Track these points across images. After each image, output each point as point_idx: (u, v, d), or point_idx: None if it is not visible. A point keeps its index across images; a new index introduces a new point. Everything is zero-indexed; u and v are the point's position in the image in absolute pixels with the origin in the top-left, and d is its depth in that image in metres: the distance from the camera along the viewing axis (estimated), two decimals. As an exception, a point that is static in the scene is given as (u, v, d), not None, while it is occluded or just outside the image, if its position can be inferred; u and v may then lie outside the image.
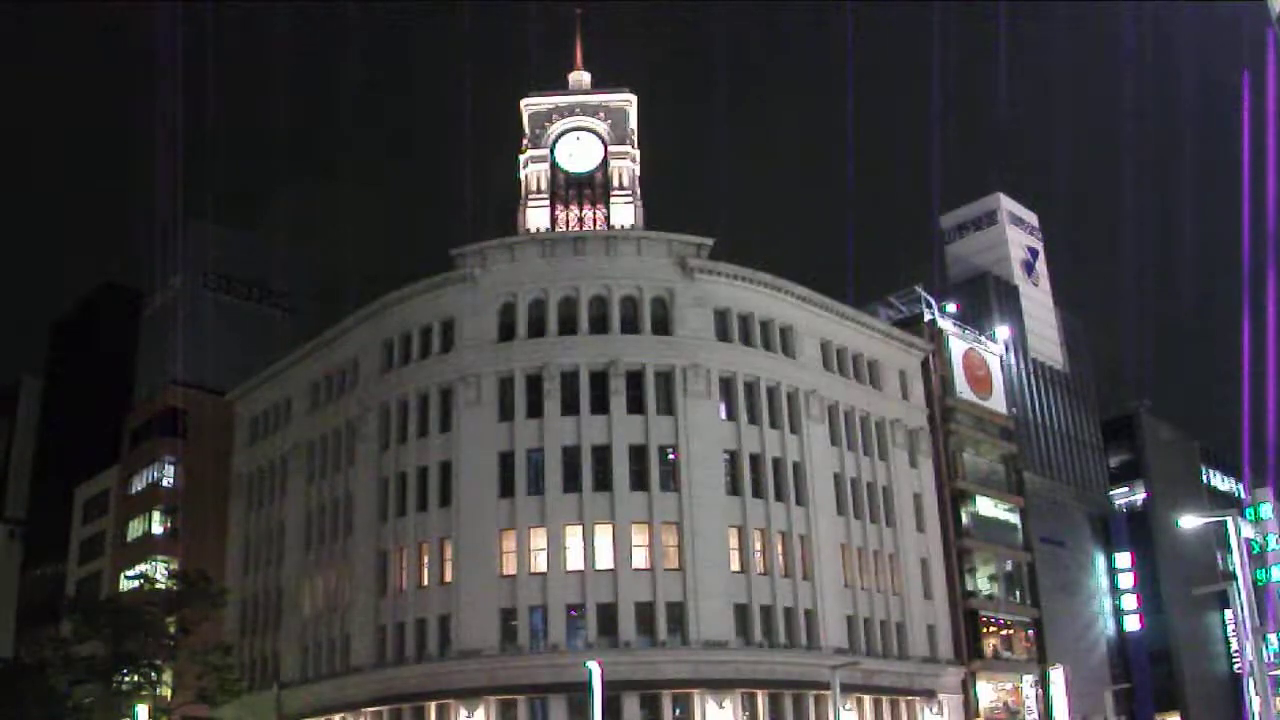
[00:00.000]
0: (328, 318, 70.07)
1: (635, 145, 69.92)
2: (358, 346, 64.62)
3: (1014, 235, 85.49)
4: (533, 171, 68.94)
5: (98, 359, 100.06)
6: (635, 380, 58.23)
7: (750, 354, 61.05)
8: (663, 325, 59.62)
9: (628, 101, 70.51)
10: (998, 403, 75.40)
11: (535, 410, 57.65)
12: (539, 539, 55.85)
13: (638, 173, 69.41)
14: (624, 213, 67.25)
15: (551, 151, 69.03)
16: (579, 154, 69.17)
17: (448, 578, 56.61)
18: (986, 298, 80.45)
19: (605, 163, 68.78)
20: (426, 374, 60.24)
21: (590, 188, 68.48)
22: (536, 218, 67.43)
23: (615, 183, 68.35)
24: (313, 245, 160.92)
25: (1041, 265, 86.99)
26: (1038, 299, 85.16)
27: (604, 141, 69.08)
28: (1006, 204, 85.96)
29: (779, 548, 58.77)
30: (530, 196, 68.25)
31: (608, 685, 46.89)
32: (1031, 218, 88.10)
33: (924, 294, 74.41)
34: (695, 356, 58.99)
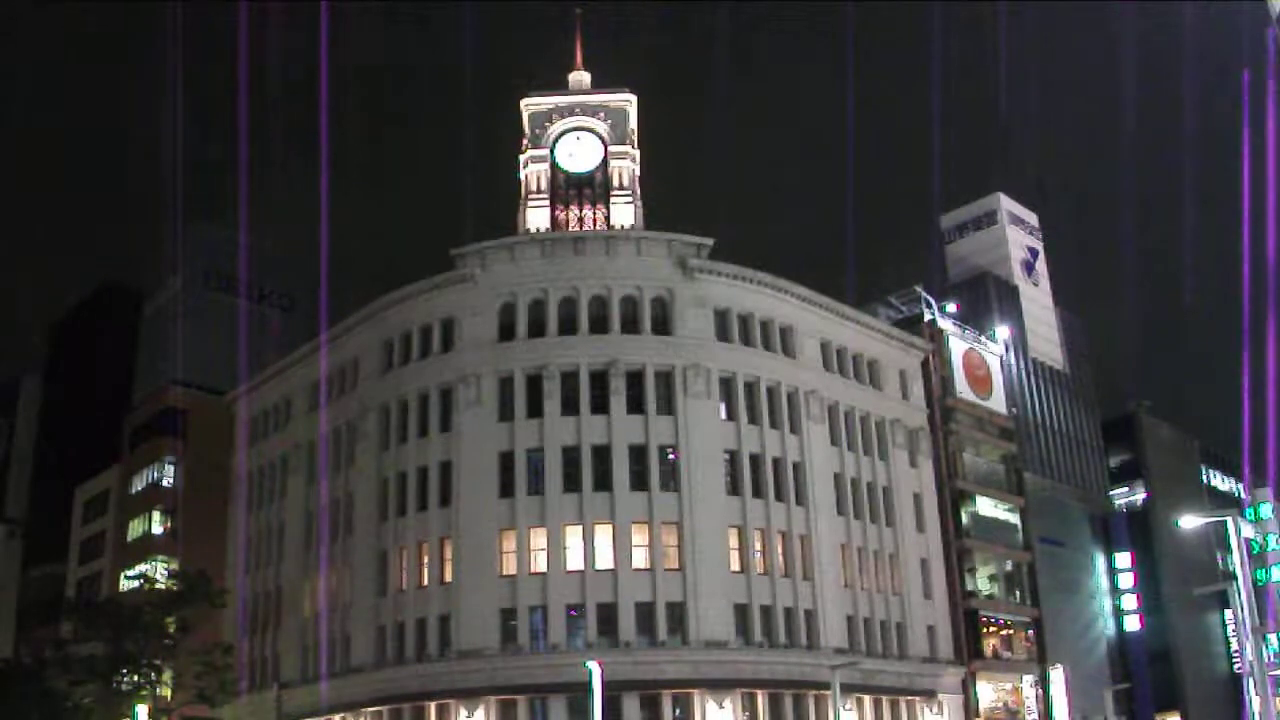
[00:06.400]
0: (327, 317, 70.05)
1: (635, 145, 69.88)
2: (358, 346, 64.62)
3: (1014, 235, 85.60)
4: (533, 171, 68.91)
5: (98, 359, 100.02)
6: (635, 380, 58.22)
7: (750, 354, 61.04)
8: (663, 325, 59.61)
9: (628, 101, 70.48)
10: (998, 403, 75.41)
11: (535, 410, 57.65)
12: (539, 539, 55.83)
13: (638, 173, 69.39)
14: (624, 213, 67.21)
15: (551, 151, 68.99)
16: (579, 154, 69.13)
17: (448, 578, 56.60)
18: (986, 298, 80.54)
19: (605, 163, 68.72)
20: (426, 374, 60.23)
21: (590, 188, 68.45)
22: (536, 218, 67.39)
23: (615, 183, 68.30)
24: (312, 245, 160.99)
25: (1041, 265, 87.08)
26: (1038, 299, 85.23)
27: (604, 141, 69.03)
28: (1006, 204, 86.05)
29: (779, 548, 58.76)
30: (530, 196, 68.22)
31: (608, 685, 46.92)
32: (1031, 218, 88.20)
33: (924, 294, 74.42)
34: (695, 356, 58.99)
